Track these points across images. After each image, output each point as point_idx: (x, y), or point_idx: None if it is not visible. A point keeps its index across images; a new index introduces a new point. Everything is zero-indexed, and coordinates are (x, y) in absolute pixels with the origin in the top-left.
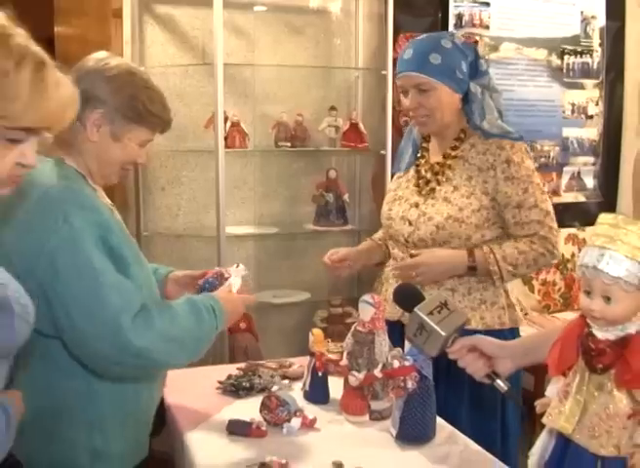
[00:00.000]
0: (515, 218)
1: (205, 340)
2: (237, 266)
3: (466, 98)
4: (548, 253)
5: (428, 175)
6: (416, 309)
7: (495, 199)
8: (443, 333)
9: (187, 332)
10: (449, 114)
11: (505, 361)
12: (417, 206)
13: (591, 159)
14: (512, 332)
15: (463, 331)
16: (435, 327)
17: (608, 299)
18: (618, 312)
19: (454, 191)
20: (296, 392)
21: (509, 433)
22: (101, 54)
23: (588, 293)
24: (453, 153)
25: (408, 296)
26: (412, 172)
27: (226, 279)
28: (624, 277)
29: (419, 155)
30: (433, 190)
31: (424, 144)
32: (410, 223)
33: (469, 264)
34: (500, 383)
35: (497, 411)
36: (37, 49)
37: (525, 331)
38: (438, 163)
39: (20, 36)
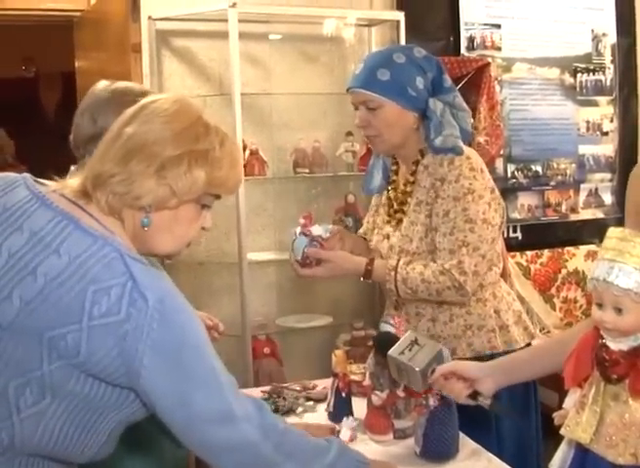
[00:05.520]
0: (435, 241)
1: None
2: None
3: (425, 116)
4: (454, 288)
5: (395, 205)
6: (389, 353)
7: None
8: (416, 368)
9: None
10: (399, 134)
11: (486, 380)
12: (388, 237)
13: (608, 175)
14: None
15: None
16: (408, 363)
17: (619, 311)
18: (629, 323)
19: (406, 220)
20: (320, 413)
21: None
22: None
23: (600, 306)
24: (411, 179)
25: (386, 344)
26: (384, 198)
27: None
28: (634, 288)
29: (390, 179)
30: (401, 221)
31: (394, 167)
32: (381, 256)
33: (367, 270)
34: (483, 400)
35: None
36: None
37: None
38: (403, 192)
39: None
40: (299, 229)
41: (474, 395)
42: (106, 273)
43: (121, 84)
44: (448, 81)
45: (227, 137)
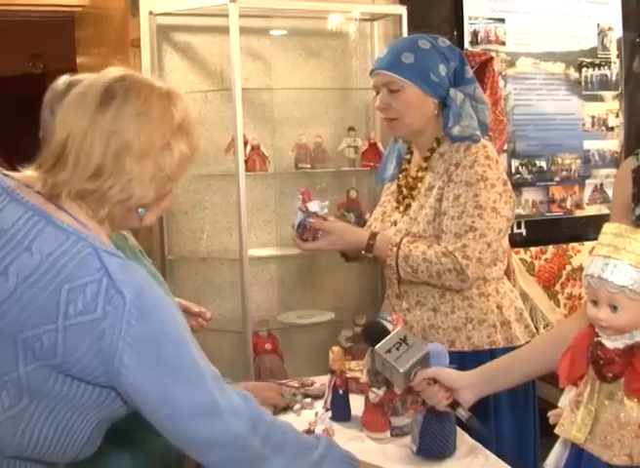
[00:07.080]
0: (441, 225)
1: None
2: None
3: (445, 105)
4: (455, 271)
5: (404, 191)
6: (376, 348)
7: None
8: (400, 370)
9: None
10: (419, 118)
11: (465, 392)
12: (395, 224)
13: (613, 171)
14: (507, 352)
15: (450, 356)
16: (393, 363)
17: (614, 308)
18: (624, 320)
19: (414, 204)
20: (317, 410)
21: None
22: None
23: (595, 303)
24: (424, 165)
25: (375, 335)
26: (394, 186)
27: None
28: (629, 285)
29: (402, 167)
30: (409, 206)
31: (407, 156)
32: None
33: (369, 244)
34: (462, 412)
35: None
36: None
37: None
38: (413, 177)
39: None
40: (300, 204)
41: (454, 405)
42: (81, 270)
43: (80, 76)
44: (469, 72)
45: (179, 98)
